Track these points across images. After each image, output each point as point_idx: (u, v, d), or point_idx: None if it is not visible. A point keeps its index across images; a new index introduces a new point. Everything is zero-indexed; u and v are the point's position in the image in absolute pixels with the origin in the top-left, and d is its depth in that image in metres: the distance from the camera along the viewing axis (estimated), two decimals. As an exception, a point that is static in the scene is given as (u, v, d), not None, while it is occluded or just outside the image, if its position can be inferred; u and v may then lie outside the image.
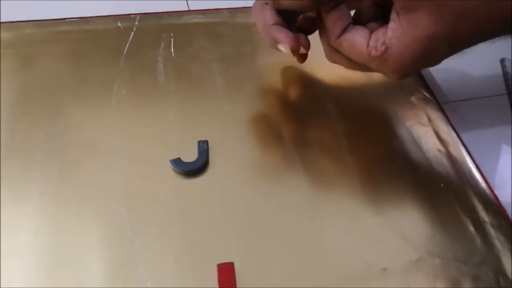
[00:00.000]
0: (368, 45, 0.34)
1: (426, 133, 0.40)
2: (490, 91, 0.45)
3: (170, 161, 0.36)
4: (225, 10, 0.50)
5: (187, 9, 0.50)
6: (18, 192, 0.34)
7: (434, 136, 0.40)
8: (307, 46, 0.39)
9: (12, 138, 0.37)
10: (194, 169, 0.36)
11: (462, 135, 0.41)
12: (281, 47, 0.38)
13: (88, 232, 0.33)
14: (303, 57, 0.41)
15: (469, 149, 0.40)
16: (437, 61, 0.34)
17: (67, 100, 0.40)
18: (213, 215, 0.34)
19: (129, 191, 0.35)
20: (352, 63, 0.36)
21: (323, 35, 0.37)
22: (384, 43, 0.33)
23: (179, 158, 0.36)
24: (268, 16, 0.38)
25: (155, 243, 0.32)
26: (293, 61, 0.42)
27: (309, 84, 0.44)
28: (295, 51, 0.37)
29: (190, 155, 0.37)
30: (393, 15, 0.33)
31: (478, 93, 0.45)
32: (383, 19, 0.35)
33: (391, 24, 0.33)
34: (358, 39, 0.34)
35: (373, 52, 0.33)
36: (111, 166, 0.36)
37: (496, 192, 0.37)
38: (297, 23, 0.40)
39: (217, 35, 0.47)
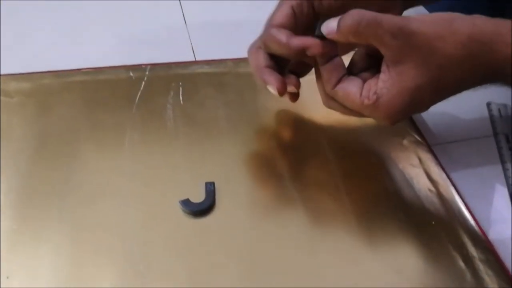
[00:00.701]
0: (361, 94, 0.37)
1: (417, 174, 0.43)
2: (478, 133, 0.48)
3: (179, 202, 0.38)
4: (229, 60, 0.52)
5: (193, 59, 0.53)
6: (36, 232, 0.36)
7: (425, 176, 0.42)
8: (297, 85, 0.41)
9: (31, 181, 0.39)
10: (201, 209, 0.38)
11: (452, 175, 0.43)
12: (270, 88, 0.40)
13: (102, 270, 0.34)
14: (294, 97, 0.44)
15: (459, 188, 0.42)
16: (424, 108, 0.37)
17: (83, 145, 0.43)
18: (220, 253, 0.36)
19: (141, 230, 0.37)
20: (347, 110, 0.39)
21: (320, 84, 0.39)
22: (375, 92, 0.36)
23: (187, 199, 0.38)
24: (261, 59, 0.41)
25: (167, 280, 0.34)
26: (291, 106, 0.45)
27: (307, 127, 0.47)
28: (281, 93, 0.40)
29: (198, 196, 0.39)
30: (383, 67, 0.36)
31: (467, 135, 0.47)
32: (375, 69, 0.38)
33: (382, 76, 0.36)
34: (351, 89, 0.37)
35: (366, 101, 0.36)
36: (124, 207, 0.38)
37: (485, 229, 0.39)
38: (290, 67, 0.43)
39: (222, 84, 0.50)
